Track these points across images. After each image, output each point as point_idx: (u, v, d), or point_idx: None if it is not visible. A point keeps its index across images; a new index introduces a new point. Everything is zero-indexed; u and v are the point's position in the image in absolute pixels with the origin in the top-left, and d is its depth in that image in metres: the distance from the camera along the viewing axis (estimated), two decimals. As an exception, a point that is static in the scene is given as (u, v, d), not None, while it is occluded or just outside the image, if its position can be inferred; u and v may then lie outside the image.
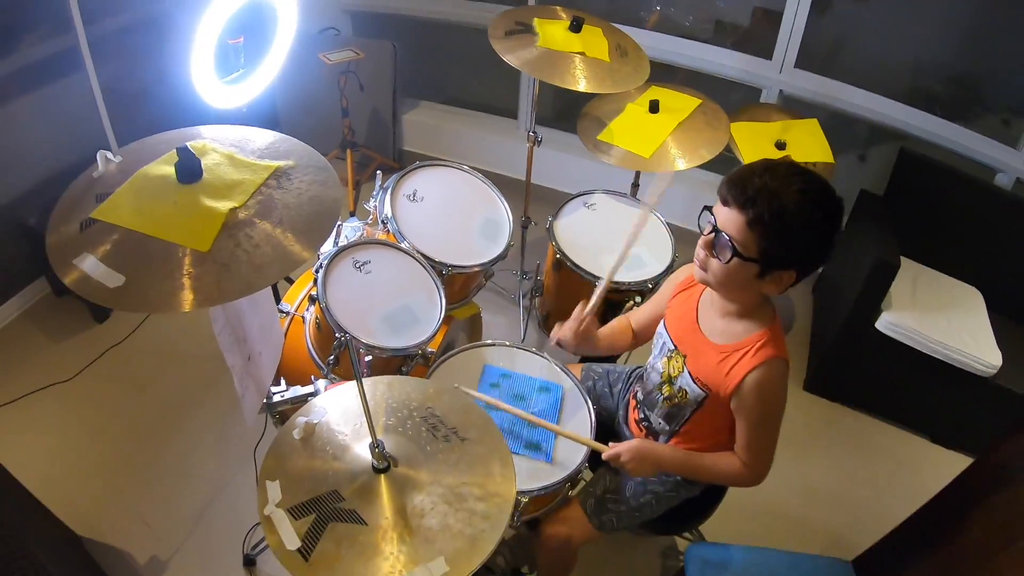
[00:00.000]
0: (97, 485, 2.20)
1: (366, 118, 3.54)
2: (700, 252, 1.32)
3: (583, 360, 2.15)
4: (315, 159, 1.36)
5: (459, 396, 1.36)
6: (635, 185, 2.54)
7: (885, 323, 2.35)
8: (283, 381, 1.67)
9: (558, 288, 2.24)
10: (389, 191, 1.96)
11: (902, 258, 2.35)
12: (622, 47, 2.33)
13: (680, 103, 2.40)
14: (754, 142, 2.39)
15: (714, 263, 1.30)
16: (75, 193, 1.26)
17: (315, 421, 1.31)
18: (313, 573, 1.09)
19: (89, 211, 1.21)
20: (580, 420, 1.66)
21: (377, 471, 1.18)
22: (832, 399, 2.67)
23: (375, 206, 2.00)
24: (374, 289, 1.78)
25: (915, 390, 2.49)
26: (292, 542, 1.12)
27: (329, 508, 1.16)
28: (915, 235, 2.57)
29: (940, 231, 2.65)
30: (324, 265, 1.74)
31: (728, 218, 1.25)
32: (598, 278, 1.92)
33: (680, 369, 1.47)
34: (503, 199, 2.12)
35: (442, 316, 1.80)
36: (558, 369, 1.76)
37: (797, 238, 1.22)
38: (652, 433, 1.61)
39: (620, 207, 2.32)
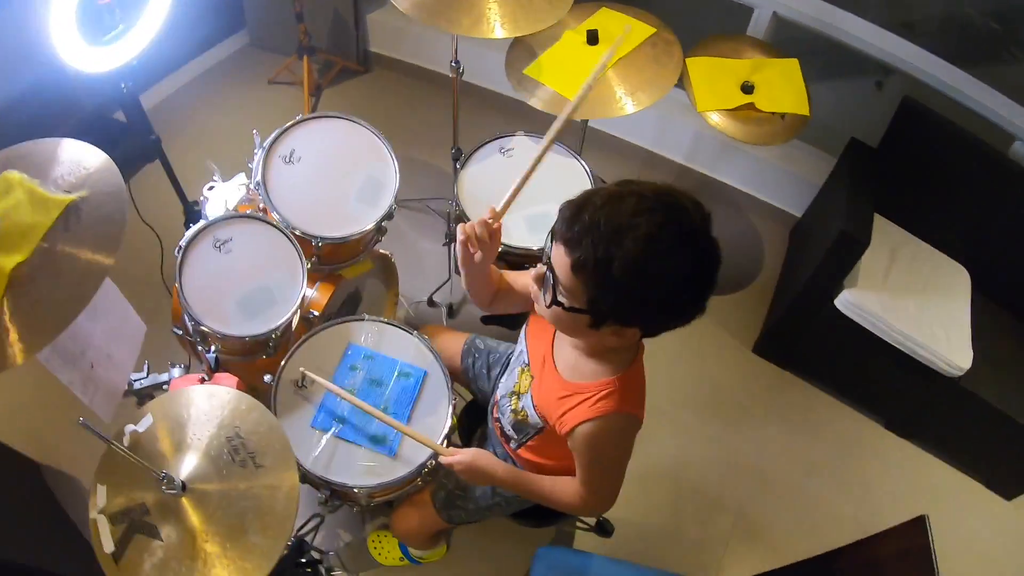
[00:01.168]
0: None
1: (328, 20, 3.38)
2: (531, 284, 1.21)
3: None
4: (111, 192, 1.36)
5: (266, 415, 1.40)
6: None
7: (845, 302, 2.19)
8: (146, 365, 1.76)
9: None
10: (264, 152, 1.89)
11: (885, 222, 2.15)
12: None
13: (631, 35, 2.15)
14: (713, 83, 2.16)
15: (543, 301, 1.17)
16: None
17: (140, 431, 1.41)
18: (125, 570, 1.23)
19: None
20: (437, 411, 1.67)
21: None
22: (781, 365, 2.58)
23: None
24: (232, 270, 1.77)
25: (872, 374, 2.38)
26: (108, 546, 1.26)
27: (137, 520, 1.27)
28: (906, 197, 2.34)
29: (935, 197, 2.38)
30: (182, 247, 1.73)
31: (557, 254, 1.09)
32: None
33: (527, 389, 1.44)
34: (392, 153, 2.00)
35: (302, 295, 1.78)
36: (427, 351, 1.76)
37: (633, 294, 1.04)
38: (504, 436, 1.60)
39: (533, 149, 2.09)
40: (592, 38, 2.11)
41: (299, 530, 1.88)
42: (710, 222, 1.04)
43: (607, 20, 2.19)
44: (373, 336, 1.79)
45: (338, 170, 1.97)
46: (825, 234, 2.23)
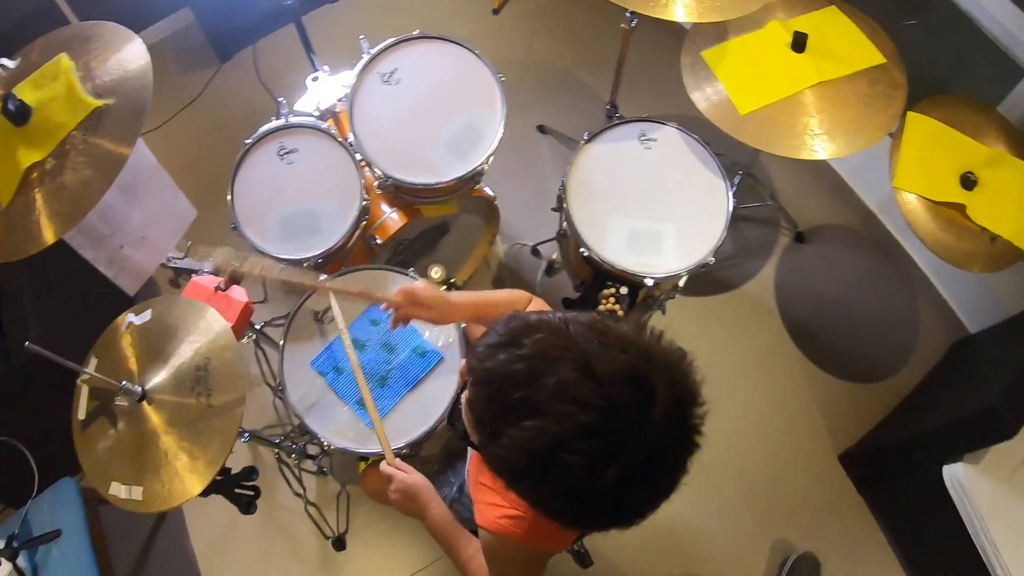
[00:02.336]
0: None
1: None
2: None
3: None
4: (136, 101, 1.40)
5: (238, 357, 1.45)
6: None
7: (954, 476, 1.79)
8: (188, 247, 1.81)
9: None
10: (362, 64, 1.79)
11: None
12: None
13: (847, 50, 1.76)
14: (928, 156, 1.73)
15: None
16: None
17: (137, 323, 1.55)
18: (85, 440, 1.46)
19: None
20: (433, 404, 1.63)
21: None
22: (857, 485, 2.25)
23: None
24: (287, 184, 1.77)
25: (940, 556, 2.01)
26: (81, 413, 1.50)
27: (107, 403, 1.47)
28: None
29: None
30: (247, 145, 1.76)
31: (464, 365, 0.98)
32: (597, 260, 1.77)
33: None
34: (504, 105, 1.81)
35: (352, 228, 1.74)
36: (456, 338, 1.69)
37: (518, 474, 0.85)
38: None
39: (686, 154, 1.87)
40: (799, 43, 1.73)
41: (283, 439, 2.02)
42: (681, 422, 0.81)
43: (828, 25, 1.77)
44: None
45: (437, 106, 1.83)
46: (976, 387, 1.81)
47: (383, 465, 1.38)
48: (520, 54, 2.96)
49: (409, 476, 1.36)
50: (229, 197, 1.75)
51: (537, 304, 1.38)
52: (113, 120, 1.38)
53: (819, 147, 1.67)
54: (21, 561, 1.80)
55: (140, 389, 1.42)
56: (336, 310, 1.54)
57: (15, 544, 1.80)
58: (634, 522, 0.84)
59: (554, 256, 2.45)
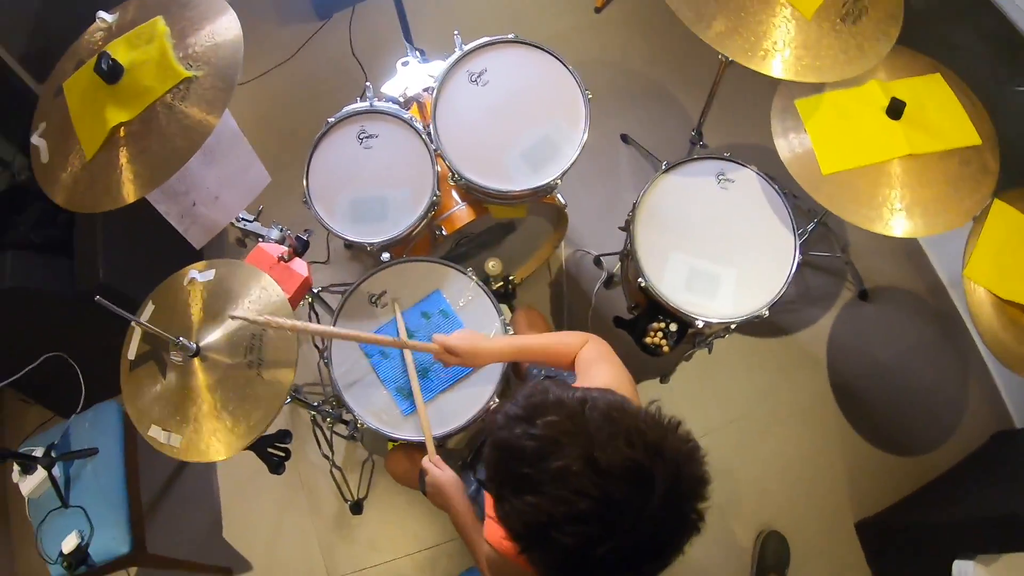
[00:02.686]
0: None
1: None
2: None
3: None
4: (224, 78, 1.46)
5: (293, 339, 1.53)
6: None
7: (962, 572, 1.78)
8: (259, 211, 1.91)
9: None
10: (453, 60, 1.82)
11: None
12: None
13: (944, 125, 1.72)
14: (1007, 249, 1.68)
15: None
16: (72, 52, 1.61)
17: (199, 280, 1.65)
18: (131, 381, 1.57)
19: (65, 79, 1.55)
20: (471, 402, 1.67)
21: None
22: (869, 559, 2.22)
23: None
24: (363, 167, 1.83)
25: None
26: (131, 354, 1.61)
27: (158, 352, 1.58)
28: None
29: None
30: (329, 124, 1.83)
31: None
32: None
33: None
34: (587, 125, 1.81)
35: (419, 221, 1.79)
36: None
37: (510, 528, 0.92)
38: None
39: (761, 201, 1.86)
40: (895, 110, 1.69)
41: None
42: (678, 516, 0.86)
43: (929, 94, 1.74)
44: (463, 295, 1.79)
45: (520, 113, 1.86)
46: (1007, 488, 1.79)
47: (424, 460, 1.52)
48: (615, 57, 2.95)
49: (443, 473, 1.49)
50: (305, 173, 1.81)
51: (595, 346, 1.41)
52: (201, 91, 1.45)
53: (896, 223, 1.65)
54: (56, 471, 1.95)
55: (195, 346, 1.52)
56: (401, 326, 1.67)
57: (53, 454, 1.96)
58: None
59: (616, 269, 2.48)
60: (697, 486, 0.87)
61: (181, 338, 1.49)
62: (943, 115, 1.72)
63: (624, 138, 2.77)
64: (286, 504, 2.38)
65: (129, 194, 1.42)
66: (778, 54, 1.57)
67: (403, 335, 1.65)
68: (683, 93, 2.85)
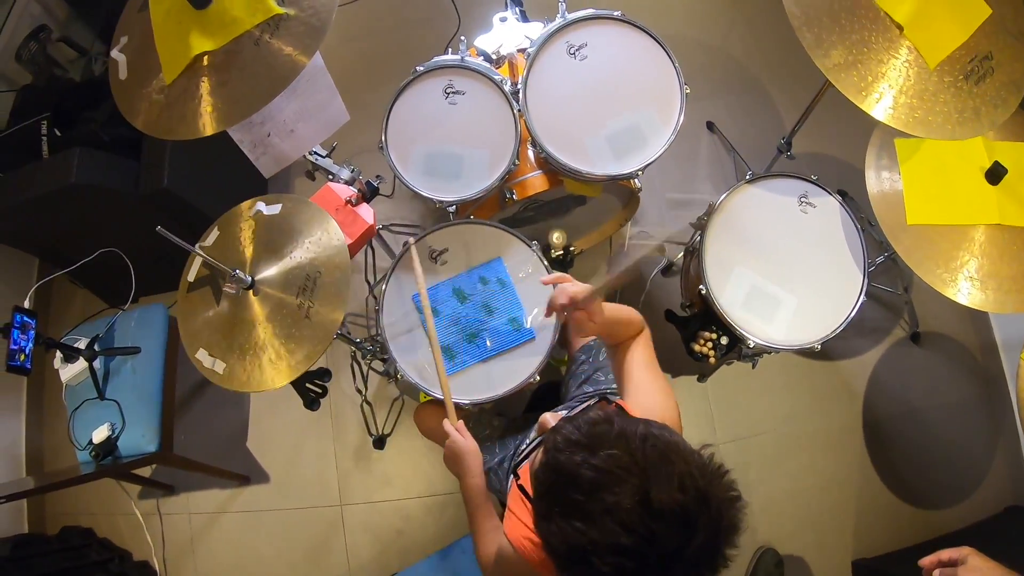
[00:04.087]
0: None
1: None
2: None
3: None
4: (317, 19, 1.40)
5: (345, 276, 1.51)
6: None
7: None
8: (333, 148, 1.86)
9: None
10: (554, 27, 1.73)
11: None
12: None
13: None
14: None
15: None
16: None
17: (265, 213, 1.64)
18: (187, 301, 1.60)
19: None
20: (512, 374, 1.66)
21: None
22: None
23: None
24: (444, 121, 1.77)
25: None
26: (191, 276, 1.63)
27: (214, 280, 1.59)
28: None
29: None
30: (418, 72, 1.76)
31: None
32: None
33: None
34: (680, 120, 1.73)
35: (492, 186, 1.74)
36: (553, 322, 1.70)
37: (550, 546, 0.92)
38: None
39: (838, 233, 1.77)
40: (995, 175, 1.60)
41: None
42: (710, 561, 0.86)
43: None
44: (524, 267, 1.76)
45: (613, 96, 1.77)
46: (1011, 563, 1.71)
47: (445, 423, 1.49)
48: (715, 39, 2.81)
49: (464, 441, 1.46)
50: (385, 118, 1.76)
51: (647, 337, 1.39)
52: (292, 29, 1.39)
53: (966, 290, 1.57)
54: (97, 363, 2.00)
55: (250, 279, 1.52)
56: (419, 272, 1.58)
57: (96, 347, 2.00)
58: None
59: (677, 258, 2.42)
60: (731, 534, 0.87)
61: (237, 271, 1.49)
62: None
63: (710, 126, 2.66)
64: (312, 426, 2.42)
65: (206, 126, 1.39)
66: (891, 100, 1.46)
67: (427, 310, 1.59)
68: (779, 92, 2.70)
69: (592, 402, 1.43)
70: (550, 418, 1.07)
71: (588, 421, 0.92)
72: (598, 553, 0.83)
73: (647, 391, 1.31)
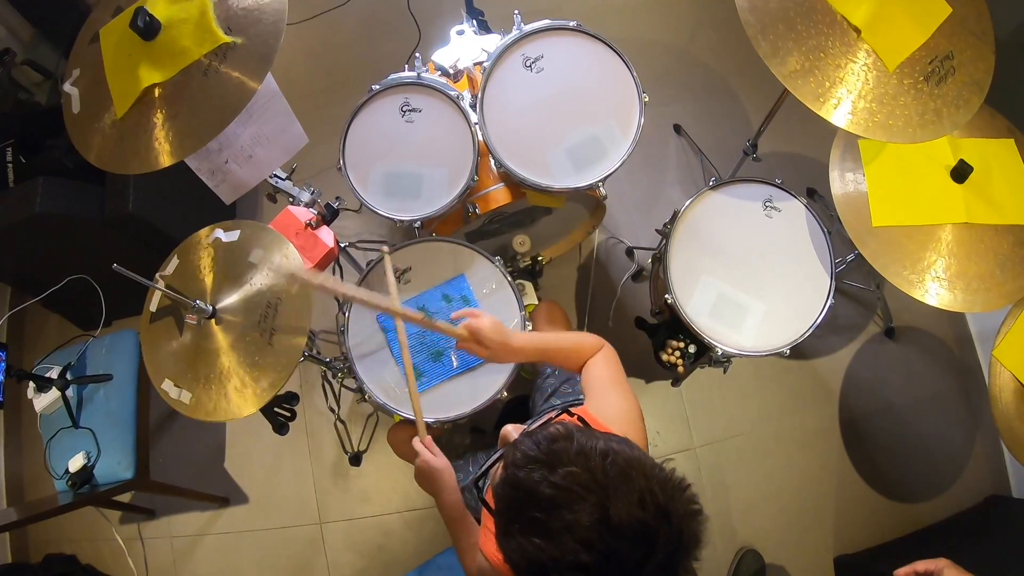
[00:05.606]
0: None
1: None
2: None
3: None
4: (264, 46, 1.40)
5: (307, 300, 1.53)
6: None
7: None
8: (292, 170, 1.87)
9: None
10: (510, 40, 1.73)
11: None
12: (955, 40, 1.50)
13: (1007, 199, 1.64)
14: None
15: None
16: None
17: (223, 240, 1.65)
18: (150, 332, 1.62)
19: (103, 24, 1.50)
20: (480, 390, 1.67)
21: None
22: None
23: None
24: (401, 140, 1.78)
25: None
26: (153, 306, 1.64)
27: (176, 309, 1.60)
28: None
29: None
30: (373, 91, 1.77)
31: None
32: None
33: None
34: (637, 134, 1.73)
35: (452, 203, 1.75)
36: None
37: (510, 561, 0.92)
38: None
39: (803, 237, 1.79)
40: (960, 174, 1.61)
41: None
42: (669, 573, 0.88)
43: (998, 162, 1.65)
44: (487, 284, 1.77)
45: (571, 108, 1.78)
46: (990, 553, 1.76)
47: (415, 441, 1.45)
48: (680, 41, 2.81)
49: (434, 459, 1.43)
50: (342, 139, 1.77)
51: (606, 359, 1.38)
52: (240, 56, 1.39)
53: (933, 291, 1.60)
54: (70, 392, 2.01)
55: (211, 308, 1.54)
56: (391, 280, 1.54)
57: (69, 376, 2.01)
58: None
59: (647, 263, 2.44)
60: (693, 547, 0.88)
61: (198, 301, 1.51)
62: (1008, 187, 1.64)
63: (677, 129, 2.67)
64: (288, 445, 2.43)
65: (159, 158, 1.40)
66: (850, 105, 1.46)
67: (413, 316, 1.49)
68: (746, 94, 2.72)
69: (555, 414, 1.45)
70: (512, 430, 1.07)
71: (547, 437, 0.93)
72: (558, 570, 0.84)
73: (608, 407, 1.31)
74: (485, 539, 1.26)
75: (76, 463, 1.92)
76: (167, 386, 1.55)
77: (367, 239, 2.40)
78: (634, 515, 0.84)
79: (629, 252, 2.53)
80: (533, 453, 0.91)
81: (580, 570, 0.83)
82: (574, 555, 0.83)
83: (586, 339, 1.41)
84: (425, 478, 1.44)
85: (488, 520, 1.26)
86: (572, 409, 1.24)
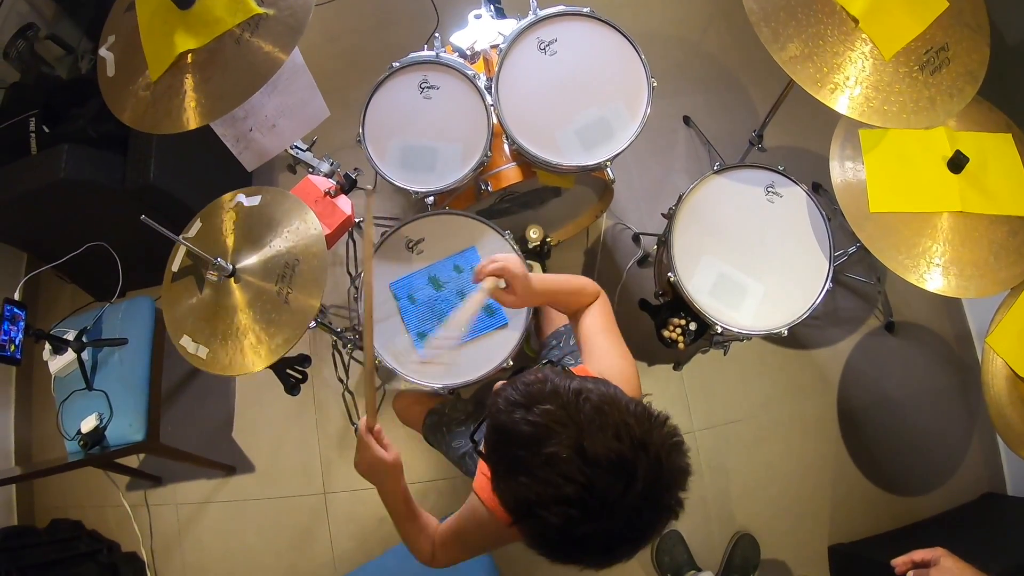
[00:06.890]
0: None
1: None
2: None
3: None
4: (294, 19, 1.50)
5: (323, 267, 1.60)
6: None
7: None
8: (313, 142, 1.99)
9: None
10: (525, 24, 1.83)
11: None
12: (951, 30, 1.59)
13: (1002, 189, 1.72)
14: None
15: None
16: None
17: (245, 204, 1.74)
18: (171, 291, 1.70)
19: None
20: (485, 359, 1.76)
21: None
22: None
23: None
24: (419, 116, 1.87)
25: None
26: (175, 266, 1.74)
27: (197, 269, 1.70)
28: None
29: None
30: (394, 68, 1.87)
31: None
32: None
33: None
34: (645, 116, 1.82)
35: (465, 178, 1.84)
36: (524, 312, 1.80)
37: (501, 500, 0.99)
38: None
39: (804, 222, 1.87)
40: (957, 164, 1.69)
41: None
42: (655, 505, 0.93)
43: (994, 154, 1.73)
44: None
45: (581, 90, 1.87)
46: (983, 550, 1.82)
47: (361, 430, 1.30)
48: (692, 35, 2.91)
49: (378, 453, 1.29)
50: (362, 113, 1.87)
51: (601, 309, 1.45)
52: (271, 27, 1.50)
53: (930, 277, 1.66)
54: (85, 355, 2.10)
55: (231, 267, 1.62)
56: (369, 220, 1.35)
57: (85, 339, 2.10)
58: (598, 568, 0.99)
59: (652, 249, 2.52)
60: (678, 476, 0.94)
61: (219, 259, 1.60)
62: (1004, 179, 1.72)
63: (686, 120, 2.76)
64: (296, 416, 2.53)
65: (190, 120, 1.50)
66: (848, 90, 1.56)
67: (369, 284, 1.32)
68: (755, 87, 2.81)
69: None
70: (500, 385, 1.16)
71: (525, 382, 1.01)
72: (544, 504, 0.92)
73: (601, 355, 1.38)
74: (479, 482, 1.34)
75: (89, 424, 2.01)
76: (185, 341, 1.63)
77: (381, 216, 2.49)
78: (610, 447, 0.91)
79: (636, 238, 2.61)
80: (512, 397, 1.00)
81: (564, 503, 0.90)
82: (556, 488, 0.90)
83: (587, 284, 1.48)
84: (367, 468, 1.31)
85: (484, 466, 1.34)
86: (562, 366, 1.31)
